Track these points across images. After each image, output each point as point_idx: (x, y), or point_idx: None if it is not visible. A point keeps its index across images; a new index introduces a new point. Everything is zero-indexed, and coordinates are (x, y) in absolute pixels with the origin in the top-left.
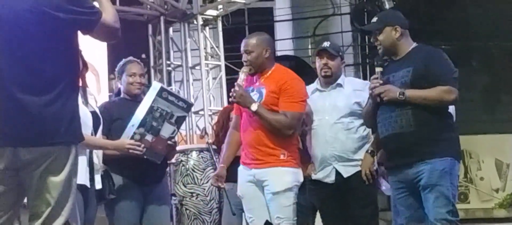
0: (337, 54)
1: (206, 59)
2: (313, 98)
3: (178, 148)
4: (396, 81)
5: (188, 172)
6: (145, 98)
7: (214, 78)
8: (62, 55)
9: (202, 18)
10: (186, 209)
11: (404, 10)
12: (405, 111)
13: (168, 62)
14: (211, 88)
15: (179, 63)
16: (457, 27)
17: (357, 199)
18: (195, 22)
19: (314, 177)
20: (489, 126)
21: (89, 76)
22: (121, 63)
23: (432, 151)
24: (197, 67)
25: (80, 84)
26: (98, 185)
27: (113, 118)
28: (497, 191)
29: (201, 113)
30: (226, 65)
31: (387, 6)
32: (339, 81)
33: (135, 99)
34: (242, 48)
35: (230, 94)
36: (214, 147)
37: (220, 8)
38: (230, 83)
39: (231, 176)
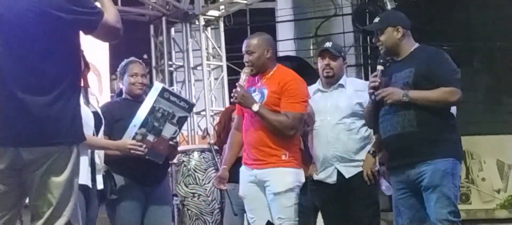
0: (339, 54)
1: (207, 59)
2: (315, 99)
3: (179, 148)
4: (398, 82)
5: (190, 172)
6: (146, 99)
7: (216, 79)
8: (63, 55)
9: (204, 18)
10: (188, 209)
11: (406, 10)
12: (407, 112)
13: (170, 62)
14: (213, 88)
15: (181, 63)
16: (459, 28)
17: (358, 199)
18: (197, 22)
19: (315, 177)
20: (490, 127)
21: (90, 77)
22: (123, 63)
23: (434, 152)
24: (199, 68)
25: (82, 84)
26: (100, 185)
27: (115, 118)
28: (498, 191)
29: (202, 113)
30: (227, 66)
31: (389, 6)
32: (341, 81)
33: (137, 100)
34: (243, 49)
35: (232, 94)
36: (215, 147)
37: (222, 9)
38: (232, 84)
39: (233, 176)
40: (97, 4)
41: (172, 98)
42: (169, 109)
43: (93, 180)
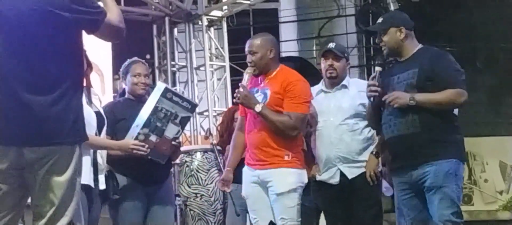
0: (342, 55)
1: (210, 60)
2: (318, 99)
3: (182, 149)
4: (401, 82)
5: (192, 172)
6: (149, 99)
7: (219, 79)
8: (66, 55)
9: (207, 19)
10: (190, 209)
11: (409, 11)
12: (411, 113)
13: (173, 63)
14: (216, 89)
15: (184, 64)
16: (462, 29)
17: (361, 200)
18: (200, 22)
19: (318, 178)
20: (493, 128)
21: (93, 77)
22: (125, 63)
23: (437, 152)
24: (202, 68)
25: (84, 84)
26: (102, 185)
27: (117, 118)
28: (501, 193)
29: (205, 113)
30: (230, 66)
31: (392, 7)
32: (344, 82)
33: (140, 100)
34: (246, 49)
35: (235, 95)
36: (218, 147)
37: (225, 9)
38: (235, 84)
39: (236, 177)
40: (100, 3)
41: (175, 98)
42: (171, 110)
43: (96, 180)
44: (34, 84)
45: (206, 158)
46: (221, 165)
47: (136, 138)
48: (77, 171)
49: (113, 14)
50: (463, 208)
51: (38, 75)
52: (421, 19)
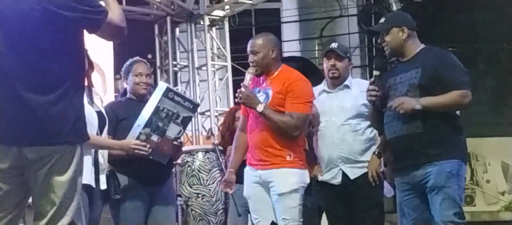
0: (345, 55)
1: (212, 60)
2: (320, 99)
3: (184, 149)
4: (403, 82)
5: (194, 172)
6: (151, 99)
7: (221, 79)
8: (67, 54)
9: (209, 18)
10: (192, 210)
11: (411, 11)
12: (413, 113)
13: (175, 62)
14: (218, 89)
15: (186, 63)
16: (464, 30)
17: (363, 200)
18: (201, 22)
19: (320, 178)
20: (495, 129)
21: (95, 76)
22: (127, 63)
23: (439, 153)
24: (204, 68)
25: (86, 83)
26: (103, 185)
27: (119, 117)
28: (503, 193)
29: (207, 113)
30: (232, 66)
31: (394, 7)
32: (346, 82)
33: (141, 100)
34: (248, 49)
35: (236, 95)
36: (220, 147)
37: (227, 9)
38: (237, 84)
39: (237, 177)
40: (102, 3)
41: (176, 98)
42: (173, 110)
43: (97, 180)
44: (35, 84)
45: (208, 158)
46: (222, 165)
47: (138, 138)
48: (78, 171)
49: (115, 13)
50: (465, 208)
51: (39, 74)
52: (423, 19)
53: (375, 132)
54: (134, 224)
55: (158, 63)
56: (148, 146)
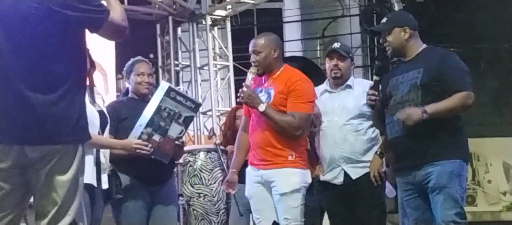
0: (347, 55)
1: (214, 59)
2: (323, 99)
3: (185, 148)
4: (405, 82)
5: (196, 172)
6: (153, 98)
7: (222, 79)
8: (69, 53)
9: (211, 18)
10: (193, 209)
11: (413, 11)
12: None
13: (176, 62)
14: (219, 88)
15: (187, 63)
16: (466, 30)
17: (365, 200)
18: (203, 22)
19: (322, 178)
20: (497, 129)
21: (96, 76)
22: (129, 62)
23: (441, 153)
24: (205, 68)
25: (88, 83)
26: (105, 185)
27: (120, 117)
28: (504, 194)
29: (209, 113)
30: (234, 66)
31: (396, 7)
32: (348, 82)
33: (143, 99)
34: (250, 49)
35: (238, 94)
36: (222, 147)
37: (229, 9)
38: (238, 84)
39: (239, 177)
40: (103, 2)
41: (178, 98)
42: (175, 109)
43: (98, 179)
44: (37, 83)
45: (210, 157)
46: (224, 165)
47: (139, 137)
48: (80, 170)
49: (116, 12)
50: (467, 209)
51: (41, 74)
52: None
53: (377, 131)
54: (136, 224)
55: (160, 63)
56: (150, 145)
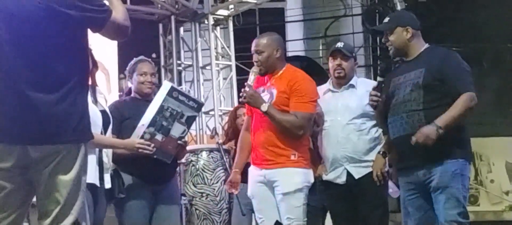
0: (350, 55)
1: (216, 59)
2: (326, 99)
3: (188, 148)
4: (407, 82)
5: (198, 172)
6: (155, 98)
7: (225, 79)
8: (71, 53)
9: (213, 18)
10: (196, 209)
11: (415, 11)
12: (417, 112)
13: (179, 62)
14: (222, 88)
15: (190, 63)
16: (468, 29)
17: (367, 200)
18: (206, 22)
19: (325, 177)
20: (499, 128)
21: (99, 75)
22: (132, 62)
23: (443, 153)
24: (208, 67)
25: (90, 83)
26: (108, 184)
27: (123, 117)
28: (507, 193)
29: (211, 113)
30: (236, 66)
31: (398, 7)
32: (351, 82)
33: (146, 99)
34: (252, 48)
35: (241, 94)
36: (224, 147)
37: (231, 8)
38: (241, 84)
39: (242, 177)
40: (106, 2)
41: (181, 97)
42: (177, 109)
43: (101, 179)
44: (39, 83)
45: (212, 157)
46: (227, 165)
47: (142, 137)
48: (83, 170)
49: (119, 12)
50: (469, 208)
51: (43, 73)
52: (427, 19)
53: (380, 131)
54: (139, 223)
55: (162, 63)
56: (152, 145)
